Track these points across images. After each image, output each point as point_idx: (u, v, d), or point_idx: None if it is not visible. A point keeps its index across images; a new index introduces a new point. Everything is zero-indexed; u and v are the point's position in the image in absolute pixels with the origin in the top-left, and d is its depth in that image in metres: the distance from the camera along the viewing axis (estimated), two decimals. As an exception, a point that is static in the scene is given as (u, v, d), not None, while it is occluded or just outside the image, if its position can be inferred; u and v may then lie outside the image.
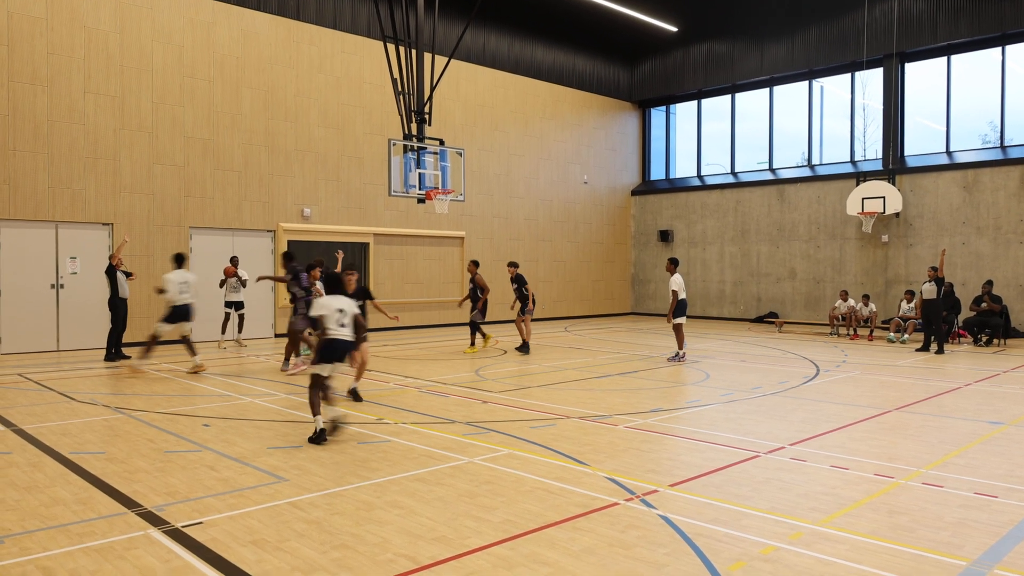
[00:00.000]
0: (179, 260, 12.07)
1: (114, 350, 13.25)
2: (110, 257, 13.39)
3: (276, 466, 6.37)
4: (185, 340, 11.95)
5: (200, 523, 4.96)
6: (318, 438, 7.15)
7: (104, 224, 15.13)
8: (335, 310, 7.51)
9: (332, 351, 7.46)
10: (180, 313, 11.73)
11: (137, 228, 15.46)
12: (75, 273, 14.77)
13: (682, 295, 13.36)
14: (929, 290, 14.97)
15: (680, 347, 13.54)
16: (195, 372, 11.69)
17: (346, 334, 7.54)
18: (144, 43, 15.57)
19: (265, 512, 5.18)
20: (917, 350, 15.24)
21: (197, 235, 16.33)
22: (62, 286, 14.63)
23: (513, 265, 14.99)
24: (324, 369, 7.41)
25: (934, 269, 15.09)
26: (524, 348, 14.58)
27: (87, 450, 6.91)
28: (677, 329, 13.49)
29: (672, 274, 13.57)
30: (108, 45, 15.12)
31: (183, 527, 4.88)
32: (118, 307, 13.28)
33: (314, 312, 7.61)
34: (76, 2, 14.72)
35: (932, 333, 15.14)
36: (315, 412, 7.26)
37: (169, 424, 8.03)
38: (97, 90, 14.97)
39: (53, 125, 14.45)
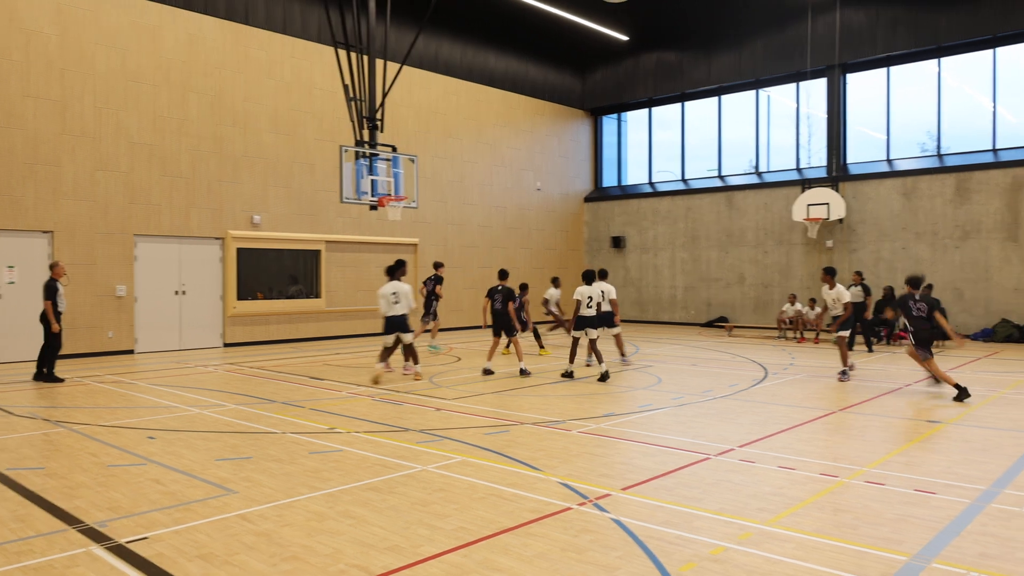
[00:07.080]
0: (390, 272, 12.05)
1: (46, 370, 11.68)
2: (51, 267, 12.02)
3: (225, 478, 6.24)
4: (408, 348, 12.01)
5: (145, 538, 4.83)
6: (603, 377, 11.44)
7: (44, 232, 14.65)
8: (587, 296, 11.87)
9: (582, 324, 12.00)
10: (394, 323, 11.87)
11: (79, 236, 15.02)
12: (12, 283, 14.27)
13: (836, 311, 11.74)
14: (855, 294, 16.02)
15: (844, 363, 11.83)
16: (376, 379, 11.65)
17: (591, 313, 11.94)
18: (86, 46, 15.16)
19: (213, 525, 5.08)
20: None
21: (142, 243, 15.93)
22: (-1, 296, 14.14)
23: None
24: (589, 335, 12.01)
25: (859, 274, 16.53)
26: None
27: (25, 465, 6.68)
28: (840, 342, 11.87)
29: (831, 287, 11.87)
30: (48, 48, 14.67)
31: (127, 543, 4.75)
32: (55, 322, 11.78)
33: (575, 296, 12.01)
34: (15, 3, 14.27)
35: (863, 334, 16.38)
36: (599, 360, 11.65)
37: (112, 437, 7.81)
38: (37, 94, 14.51)
39: (-11, 130, 13.98)
